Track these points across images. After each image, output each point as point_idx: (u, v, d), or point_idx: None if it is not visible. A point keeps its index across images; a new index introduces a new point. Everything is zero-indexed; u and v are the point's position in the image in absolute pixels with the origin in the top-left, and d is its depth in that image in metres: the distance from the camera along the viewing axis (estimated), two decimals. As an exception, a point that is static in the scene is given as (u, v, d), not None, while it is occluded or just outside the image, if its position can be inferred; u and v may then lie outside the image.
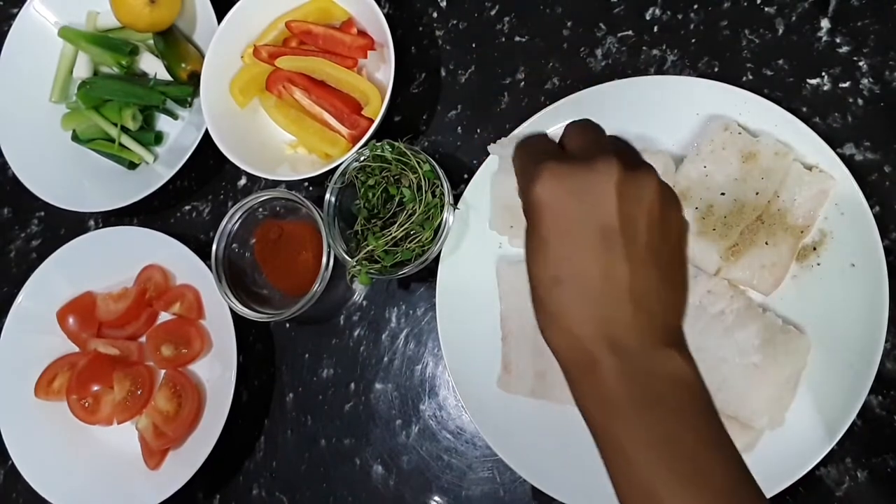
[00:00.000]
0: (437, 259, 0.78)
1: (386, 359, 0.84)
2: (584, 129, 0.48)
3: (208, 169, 0.93)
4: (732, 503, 0.42)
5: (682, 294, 0.46)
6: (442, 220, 0.77)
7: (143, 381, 0.87)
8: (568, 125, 0.49)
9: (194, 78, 0.90)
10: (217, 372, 0.85)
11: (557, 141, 0.49)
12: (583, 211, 0.42)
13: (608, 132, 0.78)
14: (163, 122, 0.98)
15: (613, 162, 0.42)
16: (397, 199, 0.79)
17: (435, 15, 0.90)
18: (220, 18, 0.89)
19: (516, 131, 0.79)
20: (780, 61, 0.77)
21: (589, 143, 0.46)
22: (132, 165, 0.95)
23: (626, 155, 0.44)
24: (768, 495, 0.65)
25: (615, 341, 0.42)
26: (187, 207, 0.94)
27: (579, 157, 0.45)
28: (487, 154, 0.79)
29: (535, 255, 0.44)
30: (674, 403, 0.43)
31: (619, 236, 0.42)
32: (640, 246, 0.43)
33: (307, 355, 0.86)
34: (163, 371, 0.88)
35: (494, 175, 0.79)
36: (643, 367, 0.42)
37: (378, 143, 0.79)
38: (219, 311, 0.85)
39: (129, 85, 0.95)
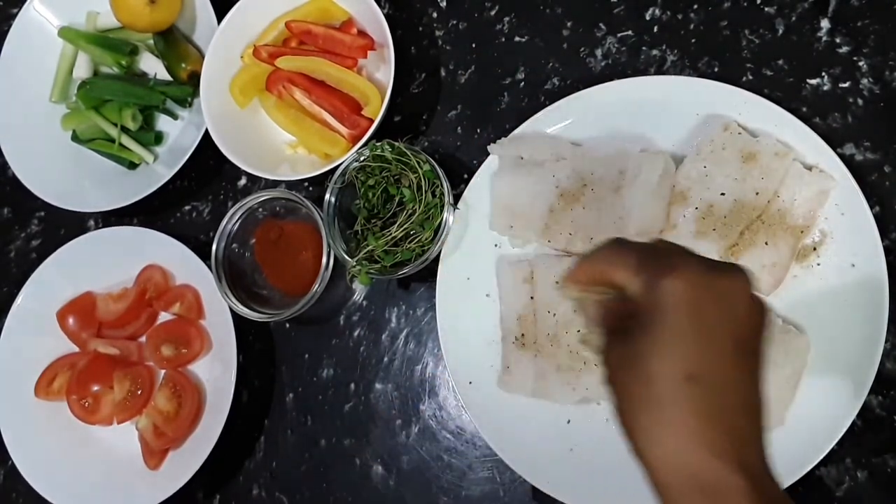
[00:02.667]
0: (437, 259, 0.78)
1: (386, 359, 0.84)
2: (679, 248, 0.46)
3: (208, 169, 0.93)
4: None
5: (766, 407, 0.43)
6: (442, 220, 0.77)
7: (143, 381, 0.87)
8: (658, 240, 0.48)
9: (194, 78, 0.90)
10: (217, 372, 0.85)
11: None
12: (720, 315, 0.41)
13: (609, 132, 0.77)
14: (163, 122, 0.98)
15: (745, 275, 0.42)
16: (397, 199, 0.79)
17: (435, 15, 0.90)
18: (220, 18, 0.89)
19: (516, 131, 0.79)
20: (780, 61, 0.77)
21: (700, 257, 0.45)
22: (132, 165, 0.95)
23: (700, 285, 0.43)
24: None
25: (748, 464, 0.39)
26: (187, 207, 0.94)
27: (706, 262, 0.43)
28: (487, 154, 0.79)
29: (665, 350, 0.41)
30: None
31: (751, 349, 0.42)
32: (760, 363, 0.42)
33: (307, 355, 0.86)
34: (163, 371, 0.88)
35: (494, 175, 0.79)
36: (771, 495, 0.40)
37: (378, 143, 0.79)
38: (219, 311, 0.85)
39: (129, 85, 0.95)
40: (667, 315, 0.41)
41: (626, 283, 0.43)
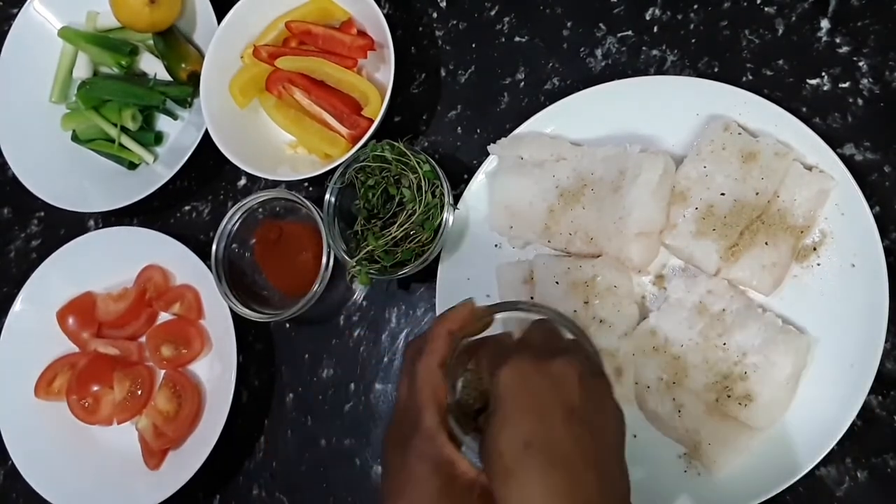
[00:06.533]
0: (437, 259, 0.78)
1: (386, 359, 0.84)
2: (544, 328, 0.55)
3: (208, 169, 0.93)
4: None
5: (626, 478, 0.50)
6: (442, 220, 0.77)
7: (143, 381, 0.87)
8: (533, 322, 0.56)
9: (194, 78, 0.90)
10: (217, 372, 0.85)
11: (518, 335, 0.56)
12: (549, 392, 0.49)
13: (609, 132, 0.79)
14: (163, 122, 0.98)
15: (575, 360, 0.50)
16: (397, 199, 0.79)
17: (435, 15, 0.90)
18: (220, 18, 0.89)
19: (516, 131, 0.79)
20: (780, 61, 0.77)
21: (550, 343, 0.53)
22: (132, 165, 0.95)
23: (585, 358, 0.52)
24: (769, 495, 0.66)
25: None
26: (187, 207, 0.94)
27: (542, 353, 0.51)
28: (487, 154, 0.79)
29: (504, 427, 0.48)
30: None
31: (583, 414, 0.48)
32: (596, 426, 0.49)
33: (307, 355, 0.86)
34: (163, 371, 0.88)
35: (494, 175, 0.79)
36: None
37: (378, 143, 0.79)
38: (219, 311, 0.85)
39: (129, 85, 0.95)
40: (504, 399, 0.49)
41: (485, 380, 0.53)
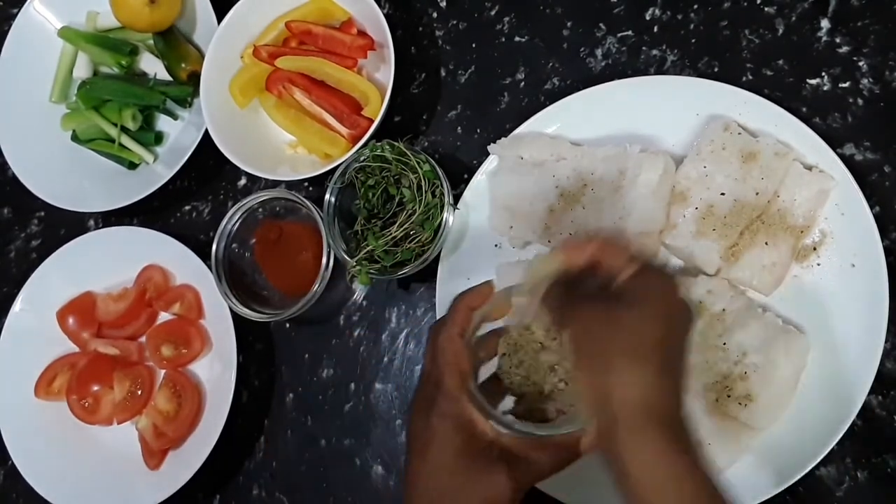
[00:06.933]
0: (437, 259, 0.78)
1: (386, 359, 0.84)
2: (612, 250, 0.56)
3: (208, 169, 0.93)
4: None
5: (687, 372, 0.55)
6: (442, 220, 0.77)
7: (143, 381, 0.87)
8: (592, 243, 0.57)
9: (194, 78, 0.90)
10: (217, 372, 0.85)
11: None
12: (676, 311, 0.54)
13: (609, 132, 0.80)
14: (163, 122, 0.98)
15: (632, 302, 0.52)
16: (397, 199, 0.79)
17: (435, 15, 0.90)
18: (220, 18, 0.89)
19: (516, 131, 0.79)
20: (780, 61, 0.77)
21: (644, 283, 0.55)
22: (132, 165, 0.95)
23: (669, 292, 0.55)
24: (769, 495, 0.66)
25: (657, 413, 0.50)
26: (187, 207, 0.94)
27: (611, 293, 0.54)
28: (487, 154, 0.79)
29: (651, 321, 0.52)
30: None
31: (671, 351, 0.52)
32: (670, 349, 0.53)
33: (307, 355, 0.86)
34: (163, 371, 0.88)
35: (494, 175, 0.79)
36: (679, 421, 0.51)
37: (378, 143, 0.79)
38: (219, 311, 0.85)
39: (129, 85, 0.95)
40: (650, 300, 0.53)
41: (621, 265, 0.54)
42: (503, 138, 0.79)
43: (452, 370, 0.57)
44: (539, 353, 0.61)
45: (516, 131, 0.79)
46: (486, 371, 0.63)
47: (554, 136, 0.78)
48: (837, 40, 0.76)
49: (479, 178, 0.80)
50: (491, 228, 0.78)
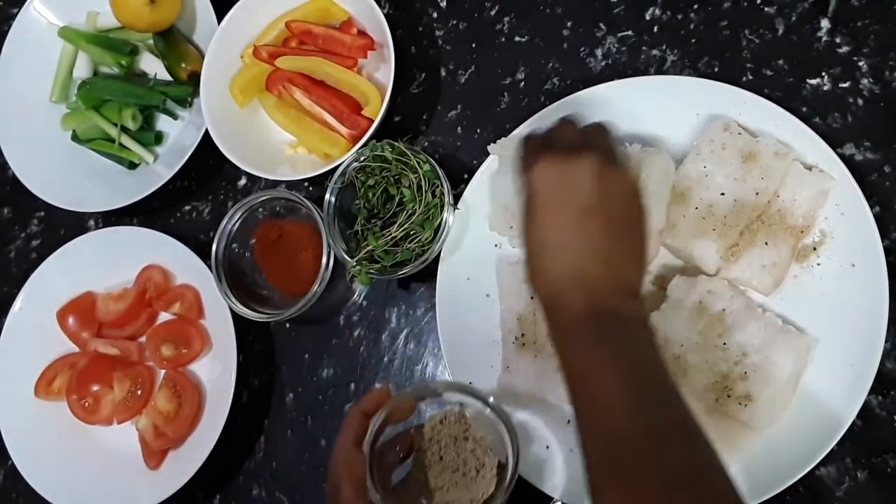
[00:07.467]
0: (437, 259, 0.78)
1: (386, 359, 0.84)
2: (570, 126, 0.61)
3: (208, 169, 0.93)
4: (686, 425, 0.49)
5: (642, 259, 0.57)
6: (442, 220, 0.77)
7: (143, 381, 0.87)
8: (559, 119, 0.62)
9: (194, 78, 0.90)
10: (217, 372, 0.85)
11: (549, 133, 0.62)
12: (567, 193, 0.55)
13: None
14: (163, 122, 0.98)
15: (593, 157, 0.56)
16: (397, 199, 0.79)
17: (435, 15, 0.90)
18: (220, 18, 0.89)
19: (516, 131, 0.79)
20: (780, 61, 0.77)
21: (575, 139, 0.59)
22: (132, 165, 0.95)
23: (604, 151, 0.58)
24: (769, 495, 0.66)
25: (587, 287, 0.53)
26: (187, 207, 0.94)
27: (568, 150, 0.57)
28: (487, 154, 0.79)
29: (528, 223, 0.57)
30: (633, 335, 0.53)
31: (596, 214, 0.55)
32: (610, 222, 0.55)
33: (307, 355, 0.86)
34: (163, 371, 0.88)
35: (494, 175, 0.79)
36: (607, 306, 0.53)
37: (378, 143, 0.79)
38: (219, 311, 0.85)
39: (129, 85, 0.95)
40: (528, 199, 0.58)
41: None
42: (503, 138, 0.79)
43: (347, 480, 0.59)
44: (455, 444, 0.65)
45: (516, 131, 0.79)
46: (399, 473, 0.66)
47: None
48: (837, 40, 0.76)
49: (479, 178, 0.80)
50: (491, 229, 0.78)
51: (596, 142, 0.59)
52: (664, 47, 0.81)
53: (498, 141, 0.79)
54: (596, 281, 0.53)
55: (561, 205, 0.55)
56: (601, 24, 0.83)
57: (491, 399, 0.66)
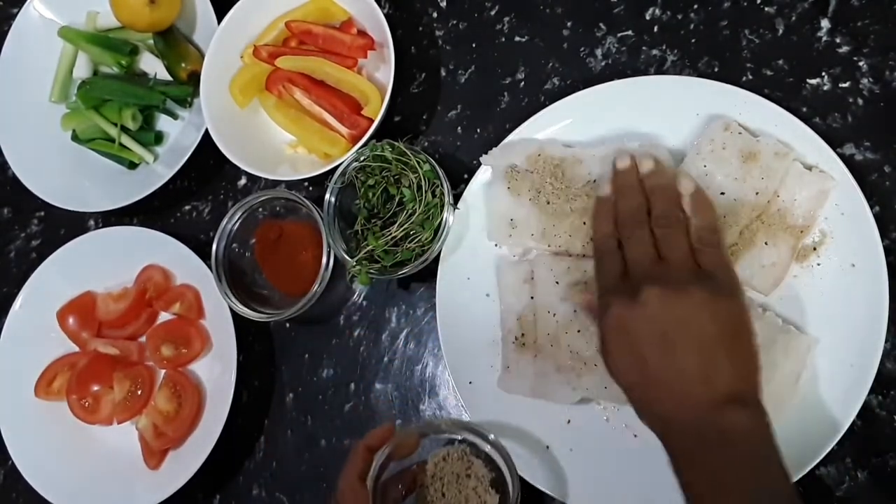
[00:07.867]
0: (437, 259, 0.78)
1: (386, 359, 0.84)
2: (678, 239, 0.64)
3: (208, 169, 0.93)
4: None
5: (758, 369, 0.59)
6: (442, 220, 0.77)
7: (143, 381, 0.87)
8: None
9: (194, 78, 0.90)
10: (217, 372, 0.85)
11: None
12: (681, 332, 0.58)
13: (609, 132, 0.81)
14: (163, 122, 0.98)
15: (704, 292, 0.59)
16: (397, 199, 0.79)
17: (435, 15, 0.90)
18: (220, 18, 0.89)
19: (507, 140, 0.78)
20: (780, 61, 0.77)
21: (684, 264, 0.62)
22: (132, 165, 0.95)
23: (717, 279, 0.61)
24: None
25: (718, 410, 0.56)
26: (187, 207, 0.94)
27: (673, 280, 0.60)
28: (488, 154, 0.79)
29: (634, 359, 0.59)
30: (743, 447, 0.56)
31: (713, 343, 0.58)
32: (728, 350, 0.58)
33: (307, 355, 0.86)
34: (163, 371, 0.88)
35: (489, 187, 0.78)
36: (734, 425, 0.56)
37: (378, 143, 0.79)
38: (219, 311, 0.85)
39: (129, 85, 0.95)
40: (607, 341, 0.62)
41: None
42: (494, 149, 0.78)
43: None
44: (457, 481, 0.66)
45: (506, 140, 0.78)
46: None
47: (544, 140, 0.77)
48: (837, 40, 0.76)
49: (480, 178, 0.79)
50: (489, 239, 0.77)
51: (708, 264, 0.62)
52: (664, 47, 0.81)
53: (490, 151, 0.78)
54: (722, 399, 0.56)
55: (676, 342, 0.58)
56: (601, 24, 0.83)
57: (492, 436, 0.67)
